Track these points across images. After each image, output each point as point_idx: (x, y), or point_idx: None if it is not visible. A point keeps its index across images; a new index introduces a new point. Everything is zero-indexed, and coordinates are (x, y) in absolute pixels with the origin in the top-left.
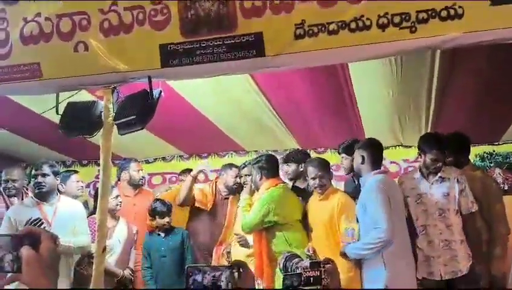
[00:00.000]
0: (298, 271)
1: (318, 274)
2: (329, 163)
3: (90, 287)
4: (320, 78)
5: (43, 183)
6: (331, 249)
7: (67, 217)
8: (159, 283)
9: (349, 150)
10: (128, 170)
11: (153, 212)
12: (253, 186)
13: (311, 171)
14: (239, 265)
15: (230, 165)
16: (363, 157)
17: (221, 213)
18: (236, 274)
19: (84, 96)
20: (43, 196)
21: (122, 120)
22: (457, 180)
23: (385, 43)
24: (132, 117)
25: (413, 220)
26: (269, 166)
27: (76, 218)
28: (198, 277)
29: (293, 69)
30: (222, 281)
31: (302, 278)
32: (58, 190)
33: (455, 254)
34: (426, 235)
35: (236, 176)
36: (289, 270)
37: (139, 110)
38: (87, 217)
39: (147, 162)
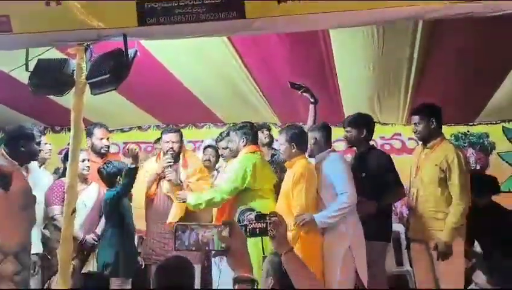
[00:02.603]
0: (245, 223)
1: (264, 226)
2: (298, 131)
3: (59, 250)
4: (301, 47)
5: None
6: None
7: (35, 183)
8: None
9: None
10: (91, 137)
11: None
12: (233, 152)
13: (279, 138)
14: (230, 223)
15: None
16: (315, 138)
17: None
18: (226, 232)
19: (54, 53)
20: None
21: (95, 79)
22: None
23: (368, 11)
24: (106, 76)
25: None
26: (253, 133)
27: (43, 187)
28: (185, 236)
29: (274, 34)
30: (210, 240)
31: (247, 229)
32: None
33: None
34: None
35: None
36: (241, 223)
37: (113, 69)
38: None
39: (122, 130)
